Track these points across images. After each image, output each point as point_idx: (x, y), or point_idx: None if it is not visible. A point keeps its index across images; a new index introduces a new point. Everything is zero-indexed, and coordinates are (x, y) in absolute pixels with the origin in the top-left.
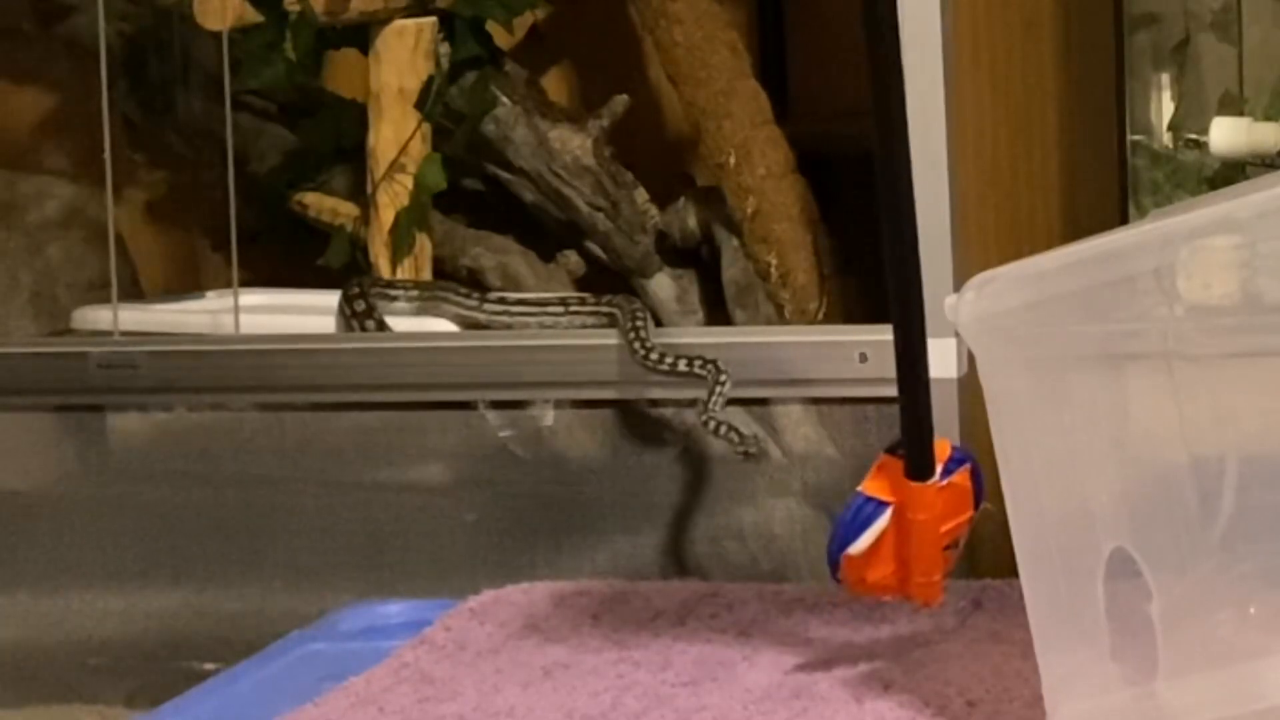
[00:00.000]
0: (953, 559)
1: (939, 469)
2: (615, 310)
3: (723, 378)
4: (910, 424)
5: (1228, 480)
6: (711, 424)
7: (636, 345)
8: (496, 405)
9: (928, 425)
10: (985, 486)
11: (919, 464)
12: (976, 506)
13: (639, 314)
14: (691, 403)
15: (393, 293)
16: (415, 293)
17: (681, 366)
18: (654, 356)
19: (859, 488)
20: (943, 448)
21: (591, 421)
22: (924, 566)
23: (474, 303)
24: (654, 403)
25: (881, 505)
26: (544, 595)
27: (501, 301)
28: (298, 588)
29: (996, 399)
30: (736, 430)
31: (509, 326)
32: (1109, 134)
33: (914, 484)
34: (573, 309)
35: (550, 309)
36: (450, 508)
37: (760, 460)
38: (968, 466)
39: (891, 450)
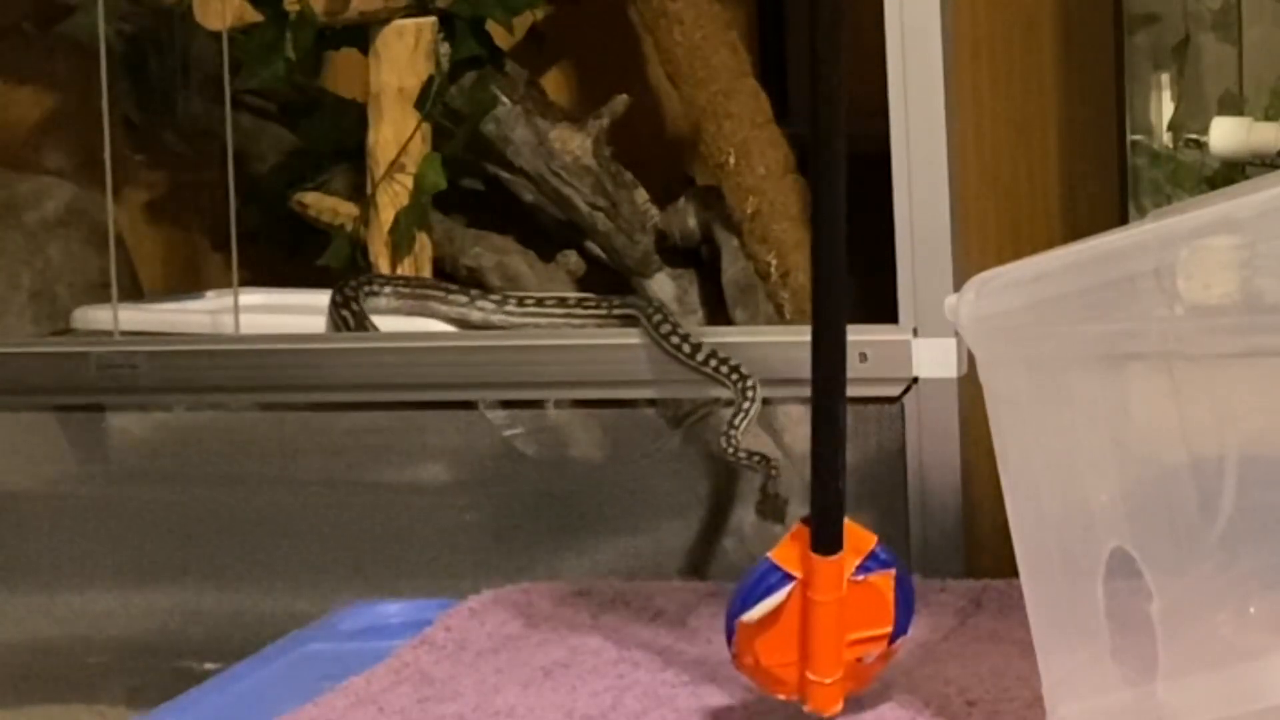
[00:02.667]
0: (865, 676)
1: (854, 561)
2: (634, 310)
3: (749, 394)
4: (821, 485)
5: (1228, 480)
6: (737, 452)
7: (671, 335)
8: (497, 405)
9: (838, 493)
10: (912, 614)
11: (824, 533)
12: (900, 631)
13: (659, 307)
14: (705, 403)
15: (383, 290)
16: (406, 290)
17: (711, 363)
18: (700, 355)
19: (768, 554)
20: (864, 540)
21: (591, 421)
22: (819, 664)
23: (468, 300)
24: (654, 402)
25: (786, 577)
26: (544, 595)
27: (509, 301)
28: (298, 588)
29: (996, 399)
30: (769, 465)
31: (514, 326)
32: (1109, 134)
33: (817, 558)
34: (586, 309)
35: (558, 309)
36: (450, 508)
37: (779, 514)
38: (891, 573)
39: (808, 519)
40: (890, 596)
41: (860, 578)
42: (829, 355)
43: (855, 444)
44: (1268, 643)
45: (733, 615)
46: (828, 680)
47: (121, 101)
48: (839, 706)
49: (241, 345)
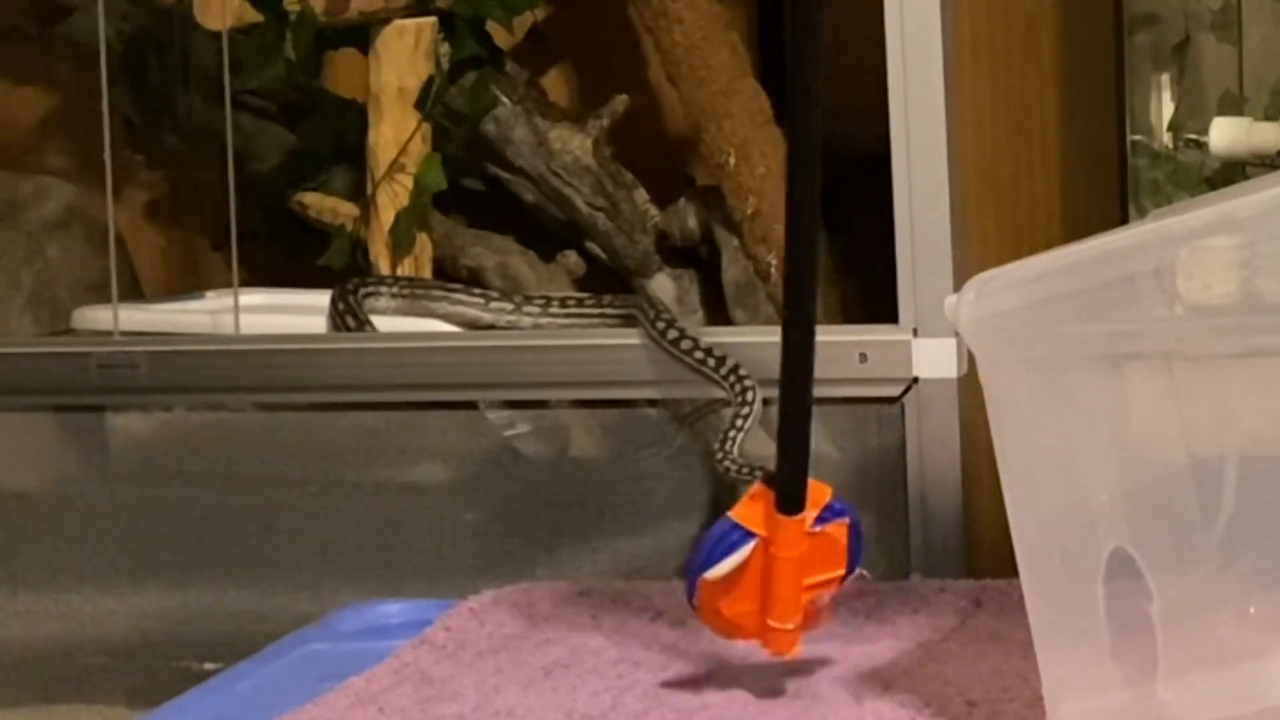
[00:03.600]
0: (817, 617)
1: (813, 515)
2: (634, 310)
3: (748, 404)
4: (786, 452)
5: (1228, 480)
6: (735, 467)
7: (668, 331)
8: (497, 405)
9: (803, 456)
10: (863, 551)
11: (789, 496)
12: (851, 570)
13: (656, 305)
14: (705, 403)
15: (400, 292)
16: (407, 290)
17: (708, 361)
18: (701, 356)
19: (729, 513)
20: (821, 493)
21: (591, 421)
22: (780, 611)
23: (515, 307)
24: (654, 403)
25: (748, 535)
26: (544, 595)
27: (553, 303)
28: (298, 588)
29: (996, 399)
30: (769, 479)
31: (559, 329)
32: (1109, 134)
33: (782, 518)
34: (617, 308)
35: (594, 309)
36: (450, 508)
37: None
38: (846, 521)
39: (769, 480)
40: (844, 543)
41: (818, 529)
42: (796, 327)
43: (855, 444)
44: (1268, 643)
45: (695, 572)
46: (789, 626)
47: (121, 101)
48: (799, 648)
49: (241, 345)
